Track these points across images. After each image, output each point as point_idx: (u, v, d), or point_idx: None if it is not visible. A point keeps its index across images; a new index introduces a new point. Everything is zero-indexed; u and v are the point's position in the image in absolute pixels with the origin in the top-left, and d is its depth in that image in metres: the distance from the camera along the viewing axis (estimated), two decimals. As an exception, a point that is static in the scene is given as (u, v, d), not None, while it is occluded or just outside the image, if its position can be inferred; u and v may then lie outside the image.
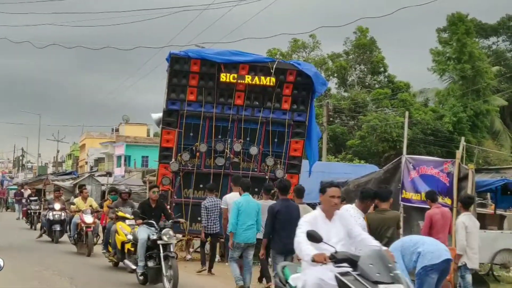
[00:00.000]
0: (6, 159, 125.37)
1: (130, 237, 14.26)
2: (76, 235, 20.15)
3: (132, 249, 13.97)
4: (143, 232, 13.11)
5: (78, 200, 20.67)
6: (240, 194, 13.30)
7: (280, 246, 11.25)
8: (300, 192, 12.92)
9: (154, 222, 13.04)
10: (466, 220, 11.44)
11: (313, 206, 20.33)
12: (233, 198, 13.60)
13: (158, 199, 14.02)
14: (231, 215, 12.75)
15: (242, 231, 12.40)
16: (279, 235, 11.32)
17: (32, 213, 30.26)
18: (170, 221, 13.53)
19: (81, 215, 19.61)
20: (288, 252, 10.98)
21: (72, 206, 20.78)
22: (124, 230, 14.93)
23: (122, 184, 46.06)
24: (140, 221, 13.28)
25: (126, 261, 14.35)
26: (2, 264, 6.46)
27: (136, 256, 13.36)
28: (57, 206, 23.25)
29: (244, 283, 12.45)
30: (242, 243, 12.49)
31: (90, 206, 20.22)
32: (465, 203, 11.67)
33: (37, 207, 30.08)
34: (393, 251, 9.24)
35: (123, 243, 14.77)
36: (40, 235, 24.53)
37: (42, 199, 33.21)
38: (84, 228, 19.37)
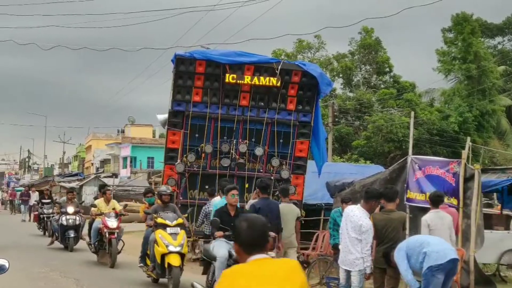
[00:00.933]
0: (13, 161, 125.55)
1: (172, 248, 12.69)
2: (97, 242, 18.01)
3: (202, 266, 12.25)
4: (223, 248, 11.09)
5: (100, 202, 18.53)
6: (220, 197, 13.70)
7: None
8: (284, 191, 13.72)
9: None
10: (430, 218, 11.31)
11: (315, 206, 20.41)
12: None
13: (237, 206, 11.76)
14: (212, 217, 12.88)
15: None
16: None
17: (45, 218, 27.17)
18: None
19: (104, 219, 17.57)
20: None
21: (93, 208, 18.44)
22: (164, 240, 12.95)
23: (128, 185, 46.26)
24: (221, 233, 11.03)
25: (197, 284, 10.93)
26: (7, 266, 6.45)
27: (211, 277, 11.56)
28: (70, 209, 21.06)
29: None
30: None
31: (113, 208, 18.27)
32: (433, 201, 11.59)
33: (51, 210, 26.71)
34: (398, 252, 9.25)
35: (163, 256, 12.95)
36: (52, 242, 22.16)
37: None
38: (107, 234, 17.35)
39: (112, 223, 17.44)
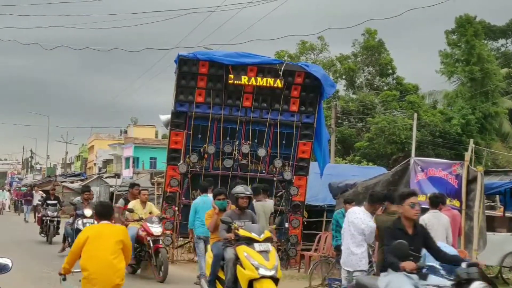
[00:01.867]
0: (15, 161, 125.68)
1: (264, 272, 9.69)
2: (136, 253, 15.29)
3: None
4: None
5: (135, 204, 15.76)
6: (199, 195, 14.61)
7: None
8: (256, 190, 14.55)
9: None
10: (427, 218, 11.39)
11: (318, 207, 20.42)
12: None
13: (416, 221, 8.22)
14: (190, 214, 14.19)
15: (200, 225, 13.55)
16: (200, 225, 13.44)
17: (48, 221, 24.11)
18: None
19: (145, 224, 15.17)
20: (206, 238, 12.96)
21: (129, 213, 15.49)
22: (253, 261, 9.82)
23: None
24: (413, 265, 7.29)
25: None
26: (10, 265, 6.48)
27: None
28: (88, 212, 17.95)
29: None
30: (202, 235, 13.53)
31: (150, 213, 15.79)
32: (432, 202, 11.70)
33: (55, 213, 24.07)
34: None
35: (251, 282, 9.83)
36: (63, 249, 19.40)
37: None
38: (151, 243, 14.96)
39: (157, 229, 15.15)
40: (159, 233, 15.19)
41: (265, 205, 14.68)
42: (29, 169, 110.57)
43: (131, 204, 15.80)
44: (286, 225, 17.95)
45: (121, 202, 16.66)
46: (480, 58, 43.86)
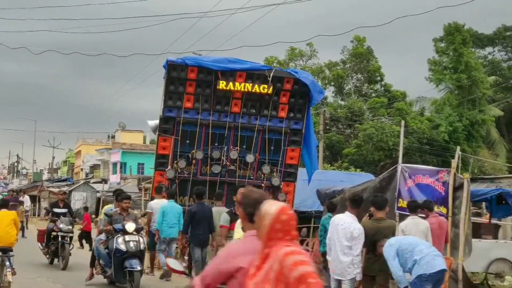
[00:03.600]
0: (1, 165, 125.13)
1: None
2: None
3: None
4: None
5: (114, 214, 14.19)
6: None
7: (197, 239, 14.20)
8: (219, 196, 15.34)
9: None
10: (405, 224, 11.52)
11: (306, 213, 20.46)
12: (158, 203, 16.35)
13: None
14: (158, 216, 15.63)
15: (167, 228, 15.42)
16: (196, 231, 14.16)
17: (59, 238, 17.60)
18: None
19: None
20: (203, 244, 14.24)
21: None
22: None
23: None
24: None
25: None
26: None
27: None
28: (130, 226, 13.53)
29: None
30: (167, 237, 15.57)
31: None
32: (409, 207, 11.89)
33: (70, 226, 17.96)
34: (390, 247, 9.29)
35: None
36: (91, 276, 14.66)
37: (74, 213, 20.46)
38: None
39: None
40: (69, 231, 17.36)
41: (220, 211, 13.86)
42: (15, 174, 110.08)
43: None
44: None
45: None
46: (467, 66, 44.11)
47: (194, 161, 17.83)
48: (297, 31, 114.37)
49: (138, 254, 13.33)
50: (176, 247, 17.97)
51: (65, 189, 35.35)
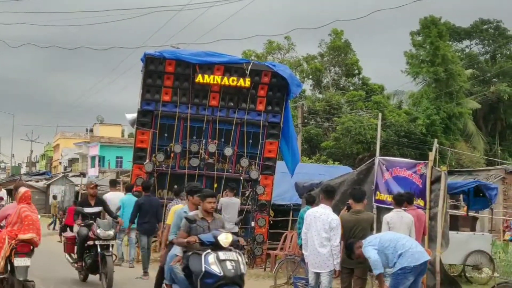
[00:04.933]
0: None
1: None
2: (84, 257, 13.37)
3: None
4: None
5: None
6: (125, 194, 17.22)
7: (143, 228, 15.44)
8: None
9: None
10: (390, 216, 11.60)
11: (284, 206, 20.49)
12: (114, 196, 17.48)
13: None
14: (117, 208, 16.37)
15: (126, 219, 15.79)
16: (142, 221, 15.40)
17: (98, 248, 13.18)
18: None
19: (94, 227, 13.16)
20: (148, 232, 15.52)
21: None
22: None
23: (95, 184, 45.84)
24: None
25: None
26: None
27: None
28: (226, 238, 8.93)
29: (123, 256, 17.42)
30: (126, 228, 16.17)
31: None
32: (396, 200, 11.94)
33: (111, 232, 13.52)
34: (367, 246, 9.30)
35: None
36: None
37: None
38: (98, 248, 13.02)
39: (106, 233, 13.29)
40: (109, 237, 13.19)
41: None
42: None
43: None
44: (252, 224, 17.97)
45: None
46: (444, 59, 44.40)
47: (172, 155, 17.79)
48: (275, 24, 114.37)
49: (238, 281, 8.77)
50: (155, 241, 18.01)
51: (42, 182, 34.05)
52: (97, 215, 14.13)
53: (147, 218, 15.33)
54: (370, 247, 9.29)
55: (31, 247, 10.97)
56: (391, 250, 9.19)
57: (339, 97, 49.18)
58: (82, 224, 13.81)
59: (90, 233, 13.39)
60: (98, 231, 13.22)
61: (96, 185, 15.42)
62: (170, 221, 10.53)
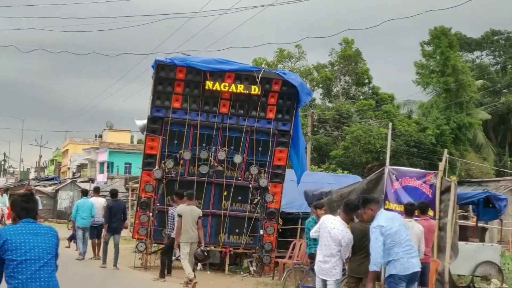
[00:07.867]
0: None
1: None
2: None
3: None
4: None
5: None
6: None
7: (112, 228, 18.07)
8: (189, 195, 15.19)
9: None
10: None
11: (293, 215, 20.46)
12: (97, 201, 20.22)
13: None
14: (73, 210, 20.28)
15: (80, 219, 19.48)
16: (111, 221, 18.08)
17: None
18: None
19: None
20: (116, 231, 18.16)
21: None
22: None
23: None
24: None
25: None
26: None
27: None
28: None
29: (84, 252, 19.48)
30: (81, 226, 19.42)
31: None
32: (406, 210, 11.87)
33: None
34: (376, 231, 9.28)
35: None
36: None
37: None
38: None
39: None
40: None
41: (193, 209, 14.96)
42: (2, 172, 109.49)
43: None
44: (261, 232, 17.96)
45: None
46: (455, 69, 44.34)
47: (181, 162, 17.80)
48: (286, 33, 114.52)
49: None
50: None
51: (51, 188, 34.55)
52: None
53: (115, 218, 18.17)
54: (377, 231, 9.24)
55: None
56: (387, 251, 9.20)
57: (349, 106, 49.19)
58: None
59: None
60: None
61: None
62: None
